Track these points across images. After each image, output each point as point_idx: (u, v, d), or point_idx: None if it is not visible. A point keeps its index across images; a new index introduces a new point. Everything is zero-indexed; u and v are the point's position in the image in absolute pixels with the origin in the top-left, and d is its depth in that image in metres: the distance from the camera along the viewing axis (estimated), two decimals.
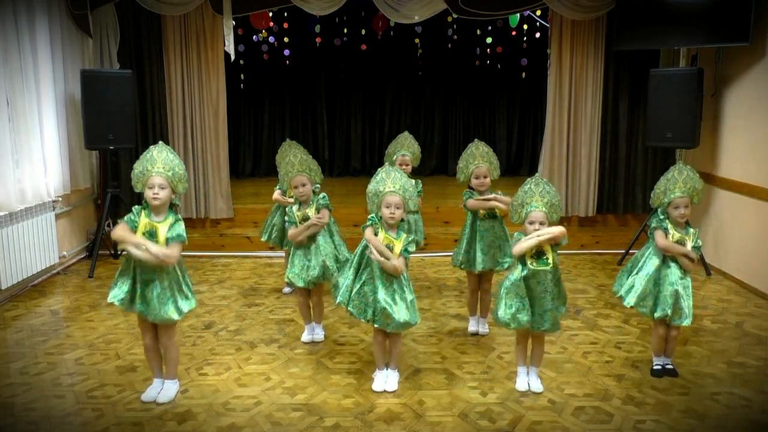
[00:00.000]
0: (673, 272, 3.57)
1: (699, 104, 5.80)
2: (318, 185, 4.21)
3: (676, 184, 3.60)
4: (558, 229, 3.31)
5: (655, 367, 3.80)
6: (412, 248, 3.49)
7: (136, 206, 3.33)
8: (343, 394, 3.54)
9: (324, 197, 4.14)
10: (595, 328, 4.54)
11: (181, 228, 3.29)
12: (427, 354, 4.09)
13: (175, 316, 3.31)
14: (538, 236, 3.29)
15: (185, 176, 3.37)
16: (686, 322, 3.58)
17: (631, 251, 6.23)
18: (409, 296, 3.46)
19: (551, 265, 3.35)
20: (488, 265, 4.24)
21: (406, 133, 5.27)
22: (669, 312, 3.55)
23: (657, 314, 3.58)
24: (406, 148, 5.09)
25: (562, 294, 3.48)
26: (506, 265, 4.22)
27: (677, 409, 3.37)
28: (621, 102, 6.71)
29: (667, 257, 3.59)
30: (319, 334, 4.33)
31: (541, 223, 3.35)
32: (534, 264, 3.35)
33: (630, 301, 3.64)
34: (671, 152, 6.53)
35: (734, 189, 5.68)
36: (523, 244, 3.32)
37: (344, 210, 6.90)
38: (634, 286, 3.65)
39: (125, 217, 3.30)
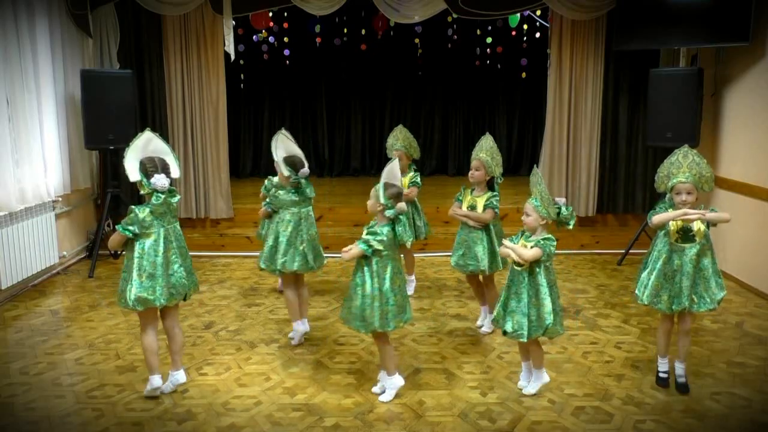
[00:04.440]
0: (686, 262, 3.35)
1: (699, 104, 5.79)
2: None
3: (680, 168, 3.38)
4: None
5: (660, 375, 3.61)
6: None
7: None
8: (343, 394, 3.53)
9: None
10: (595, 328, 4.54)
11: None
12: (427, 354, 4.09)
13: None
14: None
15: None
16: (704, 308, 3.40)
17: (631, 251, 6.25)
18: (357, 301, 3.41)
19: (541, 260, 3.30)
20: (457, 263, 4.32)
21: (400, 126, 5.35)
22: (687, 304, 3.36)
23: (675, 308, 3.40)
24: (402, 141, 5.17)
25: (542, 308, 3.35)
26: (470, 268, 4.27)
27: (677, 409, 3.37)
28: (621, 102, 6.71)
29: (674, 250, 3.39)
30: (306, 327, 4.34)
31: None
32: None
33: (644, 298, 3.49)
34: (671, 152, 6.51)
35: (734, 189, 5.68)
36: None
37: (344, 210, 6.92)
38: (646, 283, 3.49)
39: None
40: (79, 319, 4.73)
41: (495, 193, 4.27)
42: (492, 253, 4.23)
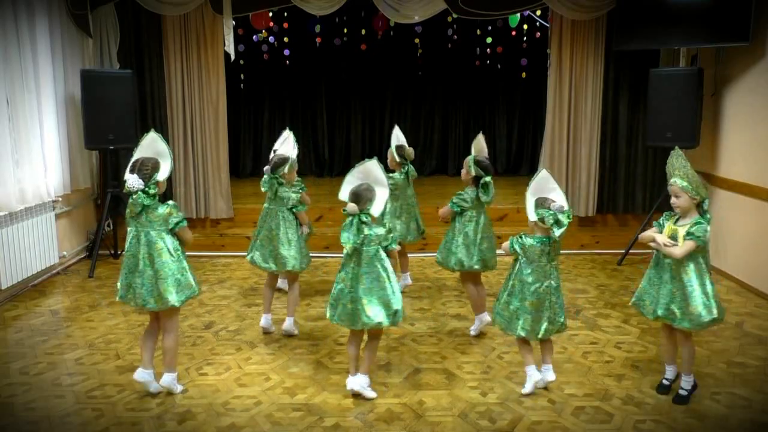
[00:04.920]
0: (666, 271, 3.34)
1: (699, 104, 5.79)
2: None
3: (673, 170, 3.37)
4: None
5: (663, 381, 3.56)
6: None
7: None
8: (343, 394, 3.53)
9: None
10: (595, 328, 4.54)
11: None
12: (427, 354, 4.09)
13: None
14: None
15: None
16: (682, 325, 3.28)
17: (631, 251, 6.25)
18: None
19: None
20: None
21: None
22: (661, 313, 3.33)
23: (656, 314, 3.37)
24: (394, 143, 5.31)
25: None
26: (438, 259, 4.38)
27: (677, 409, 3.37)
28: (621, 102, 6.71)
29: (660, 256, 3.38)
30: (288, 327, 4.38)
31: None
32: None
33: (632, 299, 3.54)
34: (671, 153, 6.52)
35: (734, 189, 5.68)
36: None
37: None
38: (641, 286, 3.50)
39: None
40: (79, 319, 4.73)
41: (461, 192, 4.24)
42: (447, 250, 4.29)
